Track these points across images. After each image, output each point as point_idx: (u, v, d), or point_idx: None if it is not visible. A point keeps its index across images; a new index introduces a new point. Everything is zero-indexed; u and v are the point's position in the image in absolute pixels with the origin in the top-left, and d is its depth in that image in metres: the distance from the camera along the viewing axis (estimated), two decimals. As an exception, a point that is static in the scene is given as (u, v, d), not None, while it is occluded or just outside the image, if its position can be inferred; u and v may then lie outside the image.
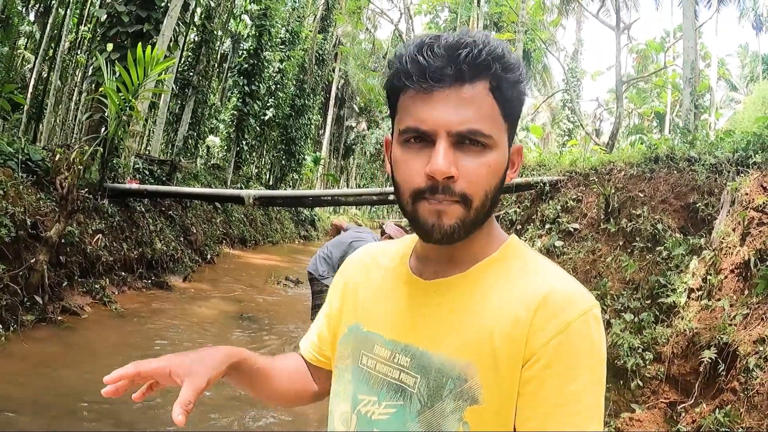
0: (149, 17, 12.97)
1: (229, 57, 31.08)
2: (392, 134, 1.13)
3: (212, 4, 24.86)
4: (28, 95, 21.53)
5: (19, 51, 28.67)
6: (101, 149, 9.58)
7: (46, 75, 23.10)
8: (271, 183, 32.11)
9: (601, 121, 41.22)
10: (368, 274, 1.32)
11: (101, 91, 10.89)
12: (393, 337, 1.15)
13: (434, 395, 1.05)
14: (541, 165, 10.62)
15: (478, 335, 1.04)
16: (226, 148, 29.07)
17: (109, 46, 13.00)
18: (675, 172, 7.83)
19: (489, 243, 1.15)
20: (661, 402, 5.97)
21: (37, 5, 26.30)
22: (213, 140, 35.71)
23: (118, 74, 10.10)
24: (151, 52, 9.58)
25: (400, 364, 1.12)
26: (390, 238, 6.45)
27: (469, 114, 1.00)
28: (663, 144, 8.87)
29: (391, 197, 10.56)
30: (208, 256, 15.97)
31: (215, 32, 25.00)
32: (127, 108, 9.91)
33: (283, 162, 32.18)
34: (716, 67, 30.46)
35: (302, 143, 32.58)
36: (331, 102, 42.59)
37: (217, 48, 26.78)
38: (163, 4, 13.27)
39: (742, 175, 6.88)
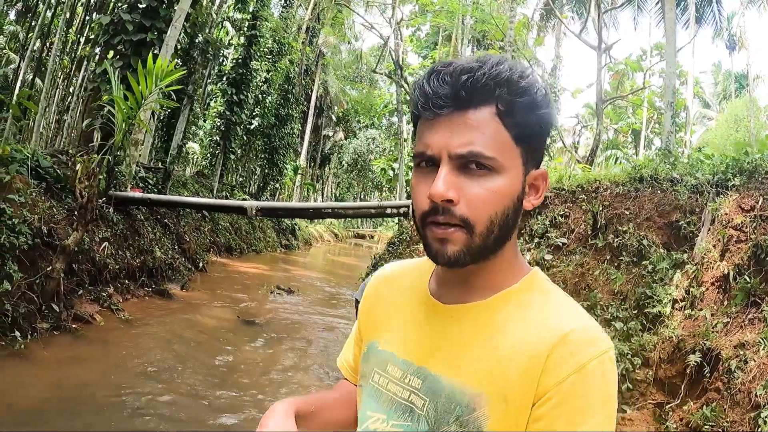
0: (153, 26, 13.25)
1: (209, 64, 31.21)
2: None
3: (213, 16, 25.02)
4: (14, 97, 21.46)
5: (2, 52, 28.59)
6: (109, 157, 9.70)
7: (31, 77, 23.08)
8: (254, 191, 32.32)
9: (580, 135, 42.03)
10: (389, 292, 1.34)
11: (104, 99, 11.15)
12: (406, 357, 1.16)
13: (441, 420, 1.06)
14: (528, 182, 11.11)
15: (493, 367, 1.04)
16: (209, 155, 29.14)
17: (110, 54, 13.31)
18: (659, 191, 8.40)
19: (510, 273, 1.15)
20: (649, 403, 6.53)
21: (18, 3, 26.22)
22: (192, 147, 35.82)
23: (121, 81, 10.25)
24: (154, 62, 9.67)
25: (411, 385, 1.12)
26: None
27: (471, 137, 1.01)
28: (646, 164, 9.42)
29: (389, 210, 10.95)
30: (200, 265, 16.23)
31: (212, 42, 25.15)
32: (132, 117, 10.04)
33: (266, 171, 32.40)
34: (692, 87, 31.23)
35: (284, 152, 32.83)
36: (311, 111, 42.84)
37: (209, 57, 26.97)
38: (166, 14, 13.52)
39: (721, 196, 7.48)
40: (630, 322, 7.16)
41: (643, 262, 7.66)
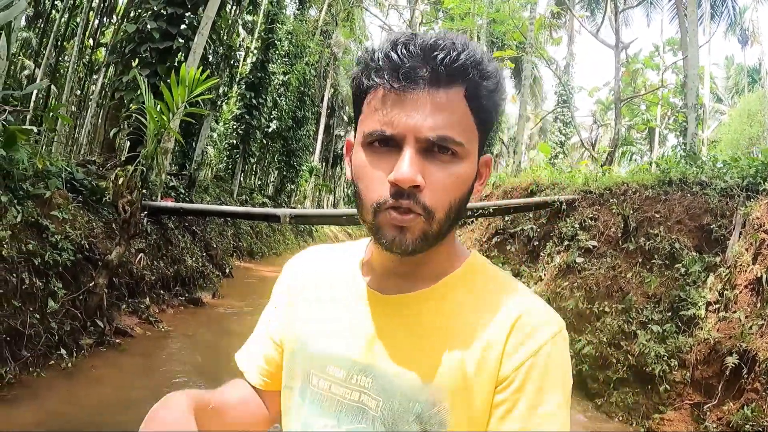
0: (178, 34, 13.30)
1: (221, 67, 31.13)
2: (355, 136, 1.05)
3: (237, 22, 24.99)
4: (31, 105, 21.36)
5: (16, 58, 28.70)
6: (143, 168, 9.46)
7: (47, 85, 23.09)
8: (271, 194, 32.46)
9: (597, 133, 42.05)
10: (315, 282, 1.21)
11: (132, 108, 11.18)
12: (350, 356, 1.06)
13: (399, 419, 1.00)
14: (554, 184, 11.27)
15: (449, 358, 0.99)
16: (227, 158, 29.23)
17: (134, 62, 13.41)
18: (688, 195, 8.57)
19: (452, 258, 1.10)
20: (686, 403, 6.73)
21: (28, 9, 26.25)
22: (206, 149, 35.88)
23: (151, 91, 10.09)
24: (180, 70, 9.29)
25: (360, 385, 1.04)
26: None
27: (441, 120, 0.93)
28: (674, 167, 9.55)
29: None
30: (227, 270, 16.28)
31: (234, 48, 25.11)
32: (164, 126, 9.63)
33: (284, 173, 32.48)
34: (708, 85, 31.20)
35: (301, 154, 32.86)
36: (323, 112, 42.87)
37: (233, 62, 26.93)
38: (191, 22, 13.61)
39: (752, 200, 7.65)
40: (665, 325, 7.34)
41: (676, 265, 7.84)
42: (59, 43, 22.69)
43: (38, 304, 6.92)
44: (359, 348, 1.06)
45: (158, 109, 9.14)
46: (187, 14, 13.63)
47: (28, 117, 20.09)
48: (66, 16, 22.27)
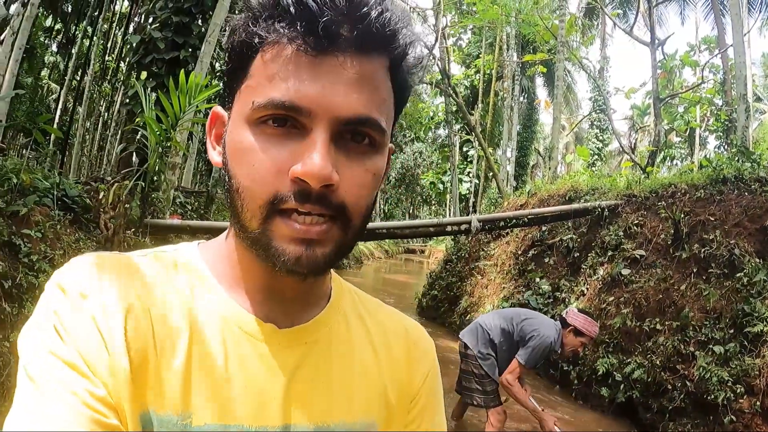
0: (186, 43, 12.77)
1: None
2: (230, 106, 0.77)
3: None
4: (54, 126, 21.43)
5: (43, 82, 28.97)
6: (142, 183, 8.84)
7: (71, 105, 23.21)
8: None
9: (636, 138, 41.10)
10: (163, 319, 0.75)
11: (137, 122, 10.64)
12: (263, 423, 0.76)
13: None
14: (594, 189, 10.42)
15: (373, 390, 0.86)
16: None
17: (143, 74, 12.90)
18: (746, 194, 7.64)
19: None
20: (756, 437, 5.75)
21: (60, 36, 26.58)
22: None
23: (154, 102, 9.66)
24: (187, 79, 8.84)
25: None
26: (578, 333, 5.20)
27: (365, 98, 0.70)
28: (725, 163, 8.63)
29: (449, 228, 10.12)
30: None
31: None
32: (167, 138, 9.04)
33: (310, 189, 32.48)
34: (751, 82, 30.17)
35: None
36: (354, 126, 42.94)
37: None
38: (199, 31, 13.07)
39: (823, 196, 6.70)
40: (728, 344, 6.37)
41: (737, 275, 6.86)
42: (85, 66, 22.74)
43: (8, 331, 6.03)
44: (271, 408, 0.76)
45: (159, 121, 8.60)
46: (194, 23, 13.12)
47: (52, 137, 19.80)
48: (89, 39, 22.41)
